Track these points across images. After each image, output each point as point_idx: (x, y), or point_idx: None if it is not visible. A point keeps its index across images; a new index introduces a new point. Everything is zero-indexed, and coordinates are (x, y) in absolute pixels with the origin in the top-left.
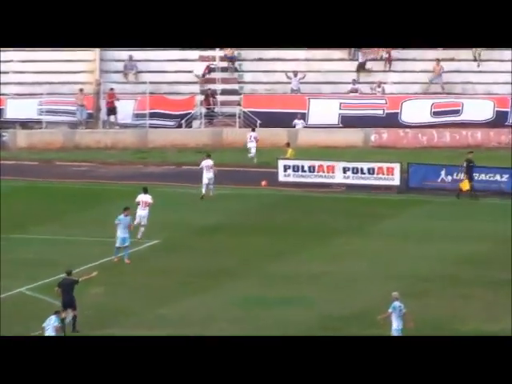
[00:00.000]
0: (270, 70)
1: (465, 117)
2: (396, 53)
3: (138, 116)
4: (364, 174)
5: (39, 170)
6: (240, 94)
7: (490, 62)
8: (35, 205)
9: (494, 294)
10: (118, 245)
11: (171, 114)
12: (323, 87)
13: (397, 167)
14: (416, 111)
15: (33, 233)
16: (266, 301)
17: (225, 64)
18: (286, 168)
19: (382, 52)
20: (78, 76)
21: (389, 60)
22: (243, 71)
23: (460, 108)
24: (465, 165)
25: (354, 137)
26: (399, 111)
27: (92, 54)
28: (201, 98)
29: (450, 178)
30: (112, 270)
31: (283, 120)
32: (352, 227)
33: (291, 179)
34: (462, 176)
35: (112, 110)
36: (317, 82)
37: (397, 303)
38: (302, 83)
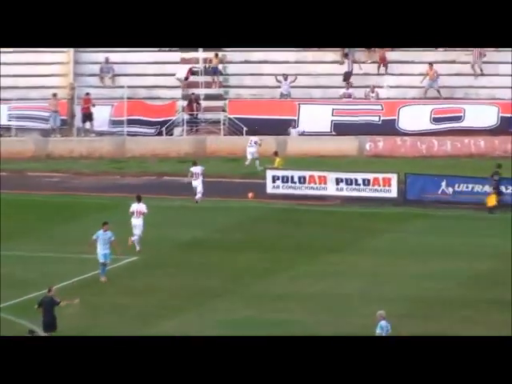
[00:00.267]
0: (256, 73)
1: (467, 123)
2: (392, 54)
3: (115, 123)
4: (358, 185)
5: (8, 180)
6: (225, 99)
7: (493, 64)
8: (4, 219)
9: (500, 315)
10: (101, 260)
11: (151, 121)
12: (314, 92)
13: (394, 178)
14: (414, 117)
15: (2, 249)
16: (253, 323)
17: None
18: (274, 179)
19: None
20: (50, 80)
21: (384, 62)
22: (228, 74)
23: (462, 114)
24: (496, 178)
25: (347, 145)
26: (396, 117)
27: (66, 55)
28: (183, 103)
29: (451, 189)
30: (87, 288)
31: (271, 127)
32: (345, 243)
33: (280, 191)
34: (489, 189)
35: (87, 117)
36: (307, 86)
37: (383, 322)
38: (292, 87)
